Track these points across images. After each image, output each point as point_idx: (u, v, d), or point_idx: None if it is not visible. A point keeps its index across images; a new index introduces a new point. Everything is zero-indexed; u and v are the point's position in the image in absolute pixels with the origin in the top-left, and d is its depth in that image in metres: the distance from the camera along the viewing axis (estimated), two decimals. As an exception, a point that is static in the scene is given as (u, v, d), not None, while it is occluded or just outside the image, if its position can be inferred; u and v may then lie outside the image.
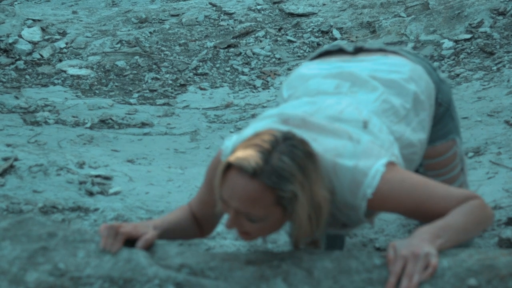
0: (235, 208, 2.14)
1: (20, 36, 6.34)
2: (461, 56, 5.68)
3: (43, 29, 6.50)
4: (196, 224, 2.49)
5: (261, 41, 6.37)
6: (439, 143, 2.72)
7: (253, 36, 6.45)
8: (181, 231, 2.44)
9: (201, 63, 6.08)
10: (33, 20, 6.63)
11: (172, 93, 5.67)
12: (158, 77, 5.90)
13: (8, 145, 4.09)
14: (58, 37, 6.44)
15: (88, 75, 5.93)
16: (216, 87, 5.76)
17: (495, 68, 5.38)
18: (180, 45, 6.38)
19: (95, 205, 3.43)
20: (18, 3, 8.17)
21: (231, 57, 6.16)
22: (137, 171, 4.02)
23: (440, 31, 6.05)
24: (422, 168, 2.75)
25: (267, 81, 5.82)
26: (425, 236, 2.10)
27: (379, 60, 2.59)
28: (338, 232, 2.52)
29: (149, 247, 2.24)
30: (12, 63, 6.03)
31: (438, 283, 2.03)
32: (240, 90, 5.70)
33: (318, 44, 6.27)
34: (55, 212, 3.36)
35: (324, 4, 6.83)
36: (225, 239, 3.12)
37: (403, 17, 6.39)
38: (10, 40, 6.24)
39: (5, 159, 3.79)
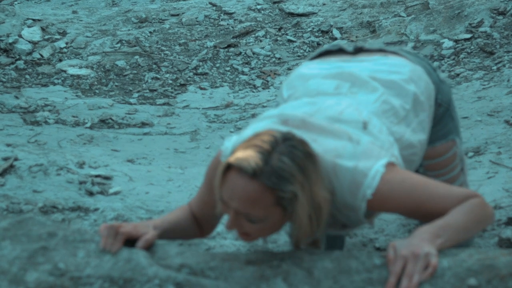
0: (235, 209, 2.14)
1: (20, 36, 6.34)
2: (461, 55, 5.68)
3: (43, 29, 6.50)
4: (196, 224, 2.49)
5: (261, 40, 6.37)
6: (439, 144, 2.72)
7: (253, 35, 6.45)
8: (181, 231, 2.44)
9: (201, 63, 6.08)
10: (33, 20, 6.63)
11: (172, 92, 5.67)
12: (158, 76, 5.90)
13: (8, 145, 4.09)
14: (58, 37, 6.44)
15: (88, 75, 5.93)
16: (216, 86, 5.76)
17: (495, 67, 5.38)
18: (180, 44, 6.38)
19: (95, 205, 3.43)
20: (18, 3, 8.17)
21: (231, 57, 6.16)
22: (137, 171, 4.02)
23: (440, 31, 6.05)
24: (422, 168, 2.75)
25: (267, 81, 5.82)
26: (425, 236, 2.10)
27: (379, 61, 2.59)
28: (338, 233, 2.52)
29: (149, 247, 2.23)
30: (12, 63, 6.03)
31: (438, 283, 2.03)
32: (240, 89, 5.70)
33: (318, 44, 6.27)
34: (55, 212, 3.36)
35: (324, 4, 6.83)
36: (225, 239, 3.12)
37: (403, 16, 6.39)
38: (10, 40, 6.25)
39: (5, 159, 3.79)
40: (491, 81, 5.20)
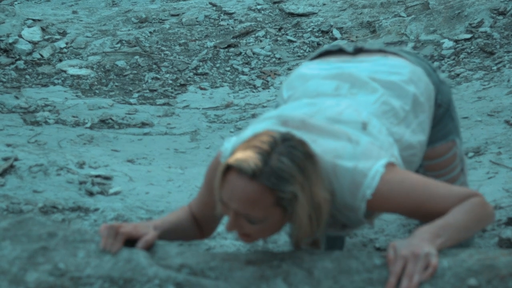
0: (235, 210, 2.14)
1: (20, 36, 6.34)
2: (461, 56, 5.68)
3: (43, 29, 6.50)
4: (196, 226, 2.48)
5: (261, 41, 6.37)
6: (439, 144, 2.72)
7: (253, 36, 6.45)
8: (181, 232, 2.44)
9: (201, 63, 6.08)
10: (33, 20, 6.63)
11: (172, 93, 5.67)
12: (158, 77, 5.90)
13: (8, 145, 4.09)
14: (58, 37, 6.44)
15: (88, 75, 5.93)
16: (216, 87, 5.76)
17: (495, 68, 5.38)
18: (180, 45, 6.38)
19: (95, 205, 3.43)
20: (18, 3, 8.17)
21: (231, 57, 6.16)
22: (137, 171, 4.02)
23: (440, 31, 6.05)
24: (422, 169, 2.75)
25: (267, 81, 5.82)
26: (425, 236, 2.10)
27: (379, 61, 2.59)
28: (338, 234, 2.52)
29: (149, 248, 2.23)
30: (12, 63, 6.03)
31: (438, 283, 2.03)
32: (240, 90, 5.70)
33: (318, 44, 6.27)
34: (55, 212, 3.36)
35: (324, 4, 6.83)
36: (225, 239, 3.12)
37: (403, 17, 6.39)
38: (10, 40, 6.25)
39: (5, 159, 3.79)
40: (491, 81, 5.20)
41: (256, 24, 6.63)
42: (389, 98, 2.47)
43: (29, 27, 6.48)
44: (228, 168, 2.13)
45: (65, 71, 5.98)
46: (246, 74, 5.93)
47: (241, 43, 6.34)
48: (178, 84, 5.80)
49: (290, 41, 6.36)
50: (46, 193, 3.53)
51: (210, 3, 7.01)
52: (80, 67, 6.04)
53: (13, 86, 5.66)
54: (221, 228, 3.05)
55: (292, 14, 6.74)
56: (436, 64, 5.60)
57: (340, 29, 6.44)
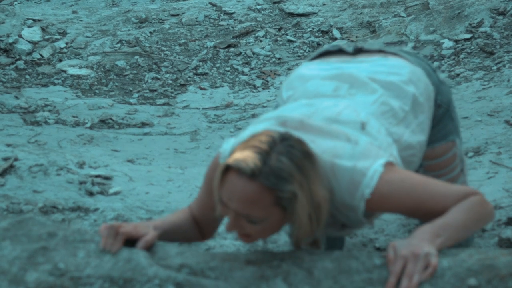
0: (235, 210, 2.14)
1: (20, 36, 6.34)
2: (461, 56, 5.68)
3: (43, 29, 6.50)
4: (197, 227, 2.48)
5: (261, 41, 6.37)
6: (439, 145, 2.72)
7: (253, 36, 6.45)
8: (181, 233, 2.44)
9: (201, 63, 6.08)
10: (33, 20, 6.63)
11: (172, 93, 5.67)
12: (158, 77, 5.90)
13: (8, 145, 4.09)
14: (58, 37, 6.44)
15: (88, 75, 5.93)
16: (216, 87, 5.76)
17: (495, 68, 5.38)
18: (180, 45, 6.38)
19: (95, 205, 3.43)
20: (18, 3, 8.17)
21: (231, 57, 6.16)
22: (137, 171, 4.02)
23: (440, 31, 6.05)
24: (422, 169, 2.75)
25: (267, 81, 5.82)
26: (425, 235, 2.10)
27: (379, 62, 2.59)
28: (338, 234, 2.52)
29: (149, 248, 2.23)
30: (12, 63, 6.03)
31: (438, 283, 2.03)
32: (240, 90, 5.70)
33: (318, 44, 6.27)
34: (55, 212, 3.36)
35: (324, 4, 6.83)
36: (225, 239, 3.12)
37: (403, 17, 6.39)
38: (10, 40, 6.25)
39: (5, 159, 3.79)
40: (491, 81, 5.20)
41: (256, 24, 6.63)
42: (388, 98, 2.47)
43: (29, 27, 6.49)
44: (227, 169, 2.13)
45: (65, 71, 5.98)
46: (246, 74, 5.93)
47: (241, 43, 6.34)
48: (178, 84, 5.80)
49: (290, 41, 6.36)
50: (46, 193, 3.53)
51: (210, 3, 7.01)
52: (80, 67, 6.04)
53: (13, 86, 5.66)
54: (221, 228, 3.05)
55: (292, 14, 6.75)
56: (436, 64, 5.61)
57: (340, 29, 6.44)
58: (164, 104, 5.46)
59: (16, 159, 3.78)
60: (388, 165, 2.26)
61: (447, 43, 5.87)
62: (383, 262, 2.09)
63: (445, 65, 5.62)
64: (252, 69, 6.01)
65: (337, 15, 6.63)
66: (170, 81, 5.84)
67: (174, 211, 3.41)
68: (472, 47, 5.74)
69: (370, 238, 3.21)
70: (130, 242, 2.23)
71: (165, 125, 5.03)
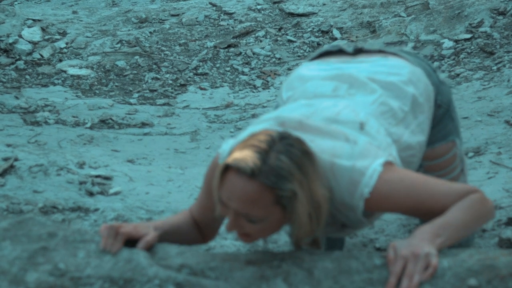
0: (235, 210, 2.13)
1: (20, 36, 6.34)
2: (461, 56, 5.68)
3: (43, 29, 6.50)
4: (197, 229, 2.48)
5: (261, 41, 6.37)
6: (439, 145, 2.72)
7: (253, 36, 6.45)
8: (182, 235, 2.43)
9: (201, 63, 6.08)
10: (33, 20, 6.63)
11: (172, 93, 5.67)
12: (158, 77, 5.90)
13: (8, 145, 4.09)
14: (58, 37, 6.44)
15: (88, 75, 5.93)
16: (216, 87, 5.76)
17: (495, 68, 5.38)
18: (180, 45, 6.38)
19: (95, 205, 3.43)
20: (18, 3, 8.17)
21: (231, 57, 6.16)
22: (137, 171, 4.02)
23: (440, 31, 6.05)
24: (422, 169, 2.74)
25: (267, 81, 5.82)
26: (425, 235, 2.10)
27: (379, 62, 2.59)
28: (339, 235, 2.52)
29: (149, 248, 2.23)
30: (12, 63, 6.03)
31: (438, 283, 2.03)
32: (240, 90, 5.70)
33: (318, 44, 6.27)
34: (55, 212, 3.36)
35: (324, 4, 6.83)
36: (225, 239, 3.12)
37: (403, 17, 6.39)
38: (10, 40, 6.25)
39: (5, 159, 3.79)
40: (491, 81, 5.20)
41: (256, 24, 6.63)
42: (388, 99, 2.47)
43: (29, 27, 6.49)
44: (227, 168, 2.13)
45: (65, 71, 5.98)
46: (246, 74, 5.93)
47: (241, 43, 6.34)
48: (178, 84, 5.80)
49: (290, 41, 6.36)
50: (46, 193, 3.53)
51: (210, 3, 7.01)
52: (80, 67, 6.04)
53: (13, 86, 5.66)
54: (221, 228, 3.05)
55: (292, 14, 6.74)
56: (436, 64, 5.61)
57: (340, 29, 6.44)
58: (164, 104, 5.46)
59: (16, 159, 3.78)
60: (387, 164, 2.26)
61: (447, 43, 5.87)
62: (383, 262, 2.09)
63: (445, 65, 5.62)
64: (252, 69, 6.01)
65: (337, 15, 6.63)
66: (170, 81, 5.84)
67: (174, 211, 3.41)
68: (472, 47, 5.74)
69: (370, 238, 3.21)
70: (131, 242, 2.23)
71: (165, 125, 5.03)
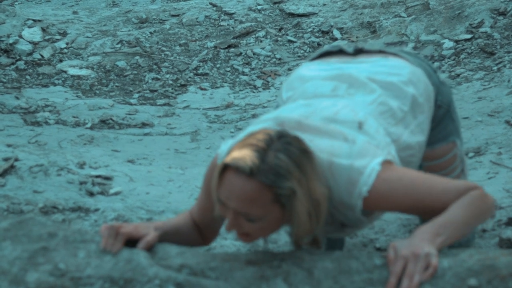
0: (234, 209, 2.14)
1: (20, 36, 6.34)
2: (462, 56, 5.68)
3: (43, 29, 6.51)
4: (197, 231, 2.48)
5: (261, 41, 6.37)
6: (439, 145, 2.71)
7: (254, 36, 6.45)
8: (182, 236, 2.42)
9: (201, 63, 6.08)
10: (34, 20, 6.63)
11: (172, 93, 5.67)
12: (159, 77, 5.90)
13: (9, 146, 4.09)
14: (58, 37, 6.44)
15: (89, 75, 5.93)
16: (217, 87, 5.76)
17: (495, 68, 5.38)
18: (180, 45, 6.38)
19: (96, 206, 3.43)
20: (18, 3, 8.18)
21: (231, 57, 6.16)
22: (138, 171, 4.02)
23: (440, 31, 6.05)
24: (422, 170, 2.74)
25: (268, 81, 5.82)
26: (425, 235, 2.10)
27: (379, 62, 2.59)
28: (339, 235, 2.52)
29: (150, 249, 2.23)
30: (13, 64, 6.03)
31: (438, 283, 2.03)
32: (240, 90, 5.70)
33: (319, 44, 6.27)
34: (55, 212, 3.36)
35: (324, 4, 6.83)
36: (225, 239, 3.12)
37: (403, 17, 6.39)
38: (11, 41, 6.25)
39: (6, 160, 3.79)
40: (491, 81, 5.20)
41: (257, 24, 6.63)
42: (387, 98, 2.47)
43: (29, 27, 6.49)
44: (225, 168, 2.14)
45: (65, 72, 5.98)
46: (247, 75, 5.93)
47: (241, 43, 6.34)
48: (179, 85, 5.80)
49: (290, 41, 6.36)
50: (46, 193, 3.53)
51: (211, 4, 7.01)
52: (81, 68, 6.04)
53: (13, 87, 5.66)
54: (221, 229, 3.05)
55: (292, 15, 6.75)
56: (436, 64, 5.61)
57: (340, 29, 6.44)
58: (164, 104, 5.46)
59: (16, 160, 3.78)
60: (386, 163, 2.26)
61: (448, 44, 5.87)
62: (383, 262, 2.09)
63: (446, 66, 5.62)
64: (253, 69, 6.01)
65: (337, 15, 6.63)
66: (171, 82, 5.84)
67: (174, 211, 3.41)
68: (473, 48, 5.74)
69: (371, 238, 3.21)
70: (131, 242, 2.23)
71: (166, 126, 5.03)
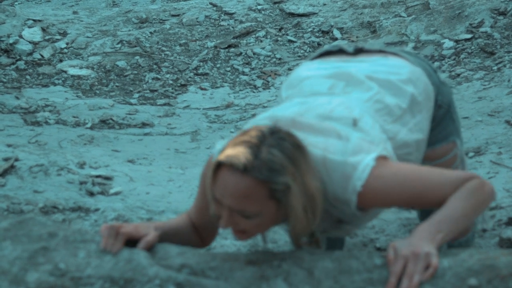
0: (229, 206, 2.14)
1: (20, 36, 6.34)
2: (462, 56, 5.68)
3: (43, 29, 6.51)
4: (196, 233, 2.48)
5: (261, 41, 6.37)
6: (439, 146, 2.71)
7: (254, 36, 6.45)
8: (181, 236, 2.42)
9: (201, 63, 6.08)
10: (34, 20, 6.63)
11: (172, 93, 5.67)
12: (159, 77, 5.90)
13: (9, 145, 4.09)
14: (58, 37, 6.44)
15: (89, 75, 5.93)
16: (217, 87, 5.76)
17: (495, 68, 5.38)
18: (180, 45, 6.38)
19: (96, 205, 3.43)
20: (18, 3, 8.18)
21: (231, 57, 6.16)
22: (138, 171, 4.02)
23: (440, 31, 6.05)
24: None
25: (268, 81, 5.82)
26: (425, 234, 2.10)
27: (378, 61, 2.59)
28: (338, 233, 2.52)
29: (150, 249, 2.23)
30: (13, 63, 6.03)
31: (438, 283, 2.03)
32: (240, 90, 5.70)
33: (319, 44, 6.27)
34: (55, 212, 3.36)
35: (324, 4, 6.83)
36: (225, 239, 3.12)
37: (403, 17, 6.39)
38: (11, 41, 6.25)
39: (6, 159, 3.79)
40: (491, 81, 5.20)
41: (257, 24, 6.63)
42: (384, 96, 2.46)
43: (29, 27, 6.49)
44: (219, 166, 2.14)
45: (65, 72, 5.98)
46: (247, 74, 5.93)
47: (241, 43, 6.34)
48: (179, 84, 5.80)
49: (290, 41, 6.36)
50: (46, 193, 3.53)
51: (211, 3, 7.01)
52: (81, 68, 6.04)
53: (13, 87, 5.66)
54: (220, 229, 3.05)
55: (292, 14, 6.75)
56: (436, 64, 5.61)
57: (340, 29, 6.44)
58: (164, 104, 5.46)
59: (16, 160, 3.78)
60: (380, 159, 2.26)
61: (448, 43, 5.87)
62: (383, 262, 2.09)
63: (446, 65, 5.62)
64: (253, 69, 6.01)
65: (337, 15, 6.63)
66: (171, 82, 5.84)
67: (174, 211, 3.41)
68: (473, 47, 5.74)
69: (371, 238, 3.21)
70: (131, 242, 2.23)
71: (166, 125, 5.03)
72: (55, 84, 5.77)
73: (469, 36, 5.89)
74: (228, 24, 6.67)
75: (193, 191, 3.73)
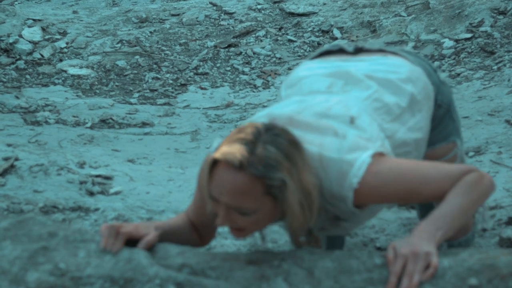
0: (226, 203, 2.14)
1: (20, 36, 6.34)
2: (462, 55, 5.68)
3: (43, 29, 6.50)
4: (195, 232, 2.48)
5: (261, 40, 6.37)
6: (440, 145, 2.71)
7: (254, 35, 6.45)
8: (181, 236, 2.42)
9: (201, 63, 6.08)
10: (34, 20, 6.63)
11: (172, 92, 5.67)
12: (159, 76, 5.90)
13: (9, 145, 4.09)
14: (58, 37, 6.44)
15: (89, 74, 5.93)
16: (217, 86, 5.76)
17: (495, 67, 5.38)
18: (180, 44, 6.38)
19: (96, 205, 3.43)
20: (18, 3, 8.17)
21: (231, 57, 6.16)
22: (138, 171, 4.02)
23: (440, 31, 6.05)
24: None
25: (268, 81, 5.82)
26: (424, 233, 2.10)
27: (378, 60, 2.59)
28: (337, 231, 2.52)
29: (150, 248, 2.23)
30: (13, 63, 6.03)
31: (439, 283, 2.03)
32: (240, 89, 5.70)
33: (319, 44, 6.27)
34: (55, 212, 3.36)
35: (324, 4, 6.83)
36: (226, 239, 3.12)
37: (403, 16, 6.39)
38: (11, 40, 6.25)
39: (6, 159, 3.79)
40: (491, 80, 5.20)
41: (257, 23, 6.63)
42: (383, 95, 2.47)
43: (29, 27, 6.49)
44: (215, 163, 2.14)
45: (65, 71, 5.98)
46: (247, 74, 5.93)
47: (241, 42, 6.34)
48: (179, 84, 5.80)
49: (290, 40, 6.36)
50: (46, 193, 3.53)
51: (211, 3, 7.01)
52: (81, 67, 6.04)
53: (13, 86, 5.66)
54: (222, 228, 3.05)
55: (292, 14, 6.75)
56: (436, 63, 5.61)
57: (340, 28, 6.44)
58: (164, 104, 5.46)
59: (16, 159, 3.78)
60: (377, 155, 2.26)
61: (448, 43, 5.87)
62: (383, 262, 2.09)
63: (446, 65, 5.62)
64: (253, 68, 6.01)
65: (337, 14, 6.63)
66: (171, 81, 5.84)
67: (174, 211, 3.41)
68: (473, 47, 5.74)
69: (371, 237, 3.21)
70: (131, 242, 2.23)
71: (166, 125, 5.03)
72: (55, 84, 5.77)
73: (469, 35, 5.89)
74: (228, 24, 6.67)
75: (193, 190, 3.73)
